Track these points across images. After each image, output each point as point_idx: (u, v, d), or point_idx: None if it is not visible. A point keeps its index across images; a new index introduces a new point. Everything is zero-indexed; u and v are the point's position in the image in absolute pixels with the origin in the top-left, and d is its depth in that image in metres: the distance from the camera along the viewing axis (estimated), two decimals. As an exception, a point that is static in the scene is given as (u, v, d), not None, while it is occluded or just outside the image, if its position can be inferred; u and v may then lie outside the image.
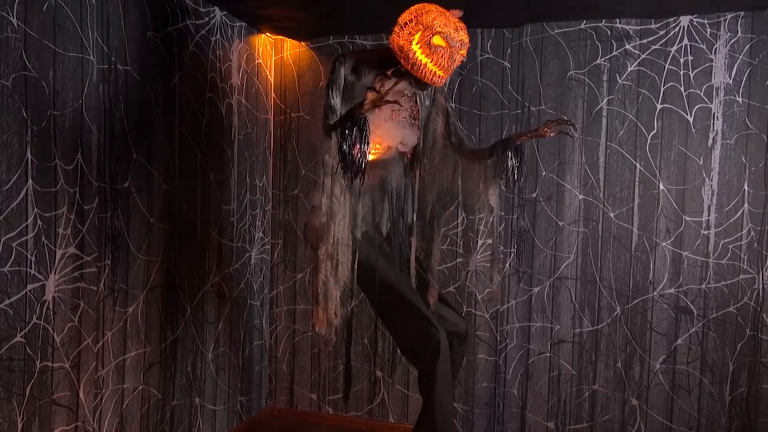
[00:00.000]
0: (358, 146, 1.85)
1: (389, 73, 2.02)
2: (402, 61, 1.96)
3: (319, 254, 2.04)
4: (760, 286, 2.75)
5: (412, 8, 1.96)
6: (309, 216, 2.23)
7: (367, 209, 2.16)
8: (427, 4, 1.97)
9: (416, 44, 1.91)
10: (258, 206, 3.25)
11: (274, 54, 3.36)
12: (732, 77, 2.74)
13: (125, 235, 2.28)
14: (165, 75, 2.46)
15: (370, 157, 2.05)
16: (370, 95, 1.82)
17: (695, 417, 2.84)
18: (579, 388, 2.97)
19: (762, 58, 2.71)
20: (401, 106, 2.03)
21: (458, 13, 1.97)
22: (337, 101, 2.01)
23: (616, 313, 2.91)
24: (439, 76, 1.96)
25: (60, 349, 2.01)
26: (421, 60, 1.93)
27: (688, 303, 2.83)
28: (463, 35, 1.95)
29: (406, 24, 1.93)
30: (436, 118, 2.24)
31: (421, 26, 1.91)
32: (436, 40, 1.91)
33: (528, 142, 2.93)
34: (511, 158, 2.20)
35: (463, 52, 1.98)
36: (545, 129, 2.16)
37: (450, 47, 1.92)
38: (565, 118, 2.43)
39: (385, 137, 2.15)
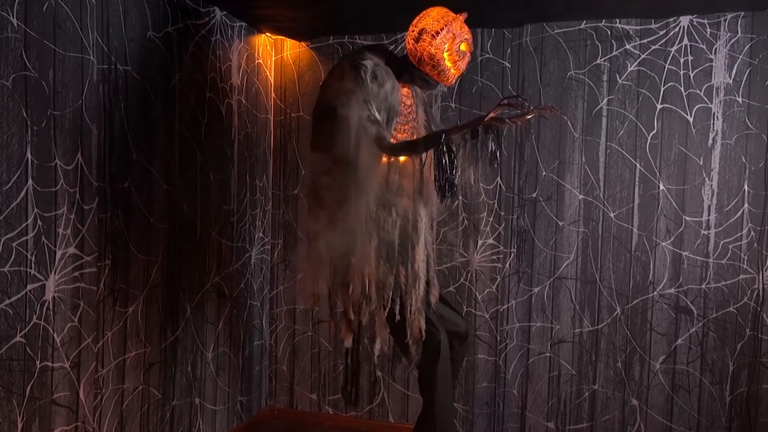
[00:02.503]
0: (452, 168, 1.86)
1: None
2: (428, 67, 2.03)
3: (394, 274, 2.03)
4: (760, 286, 2.75)
5: (436, 15, 2.02)
6: (353, 235, 2.13)
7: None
8: (446, 10, 2.05)
9: (447, 52, 2.00)
10: (258, 206, 3.25)
11: (274, 54, 3.36)
12: (732, 77, 2.74)
13: (125, 235, 2.28)
14: (165, 75, 2.46)
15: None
16: (491, 124, 1.84)
17: (695, 417, 2.84)
18: (579, 388, 2.97)
19: (762, 58, 2.71)
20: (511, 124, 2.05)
21: (465, 15, 2.05)
22: (376, 114, 2.00)
23: (616, 313, 2.91)
24: (456, 78, 2.09)
25: (60, 349, 2.01)
26: (448, 66, 2.02)
27: (688, 303, 2.83)
28: (471, 37, 2.06)
29: (437, 33, 1.98)
30: (417, 110, 2.28)
31: (452, 35, 2.00)
32: (464, 47, 2.02)
33: (528, 142, 2.94)
34: (492, 141, 2.23)
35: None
36: (526, 116, 2.20)
37: (469, 51, 2.05)
38: (548, 105, 2.47)
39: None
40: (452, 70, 2.03)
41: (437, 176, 1.86)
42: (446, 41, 1.98)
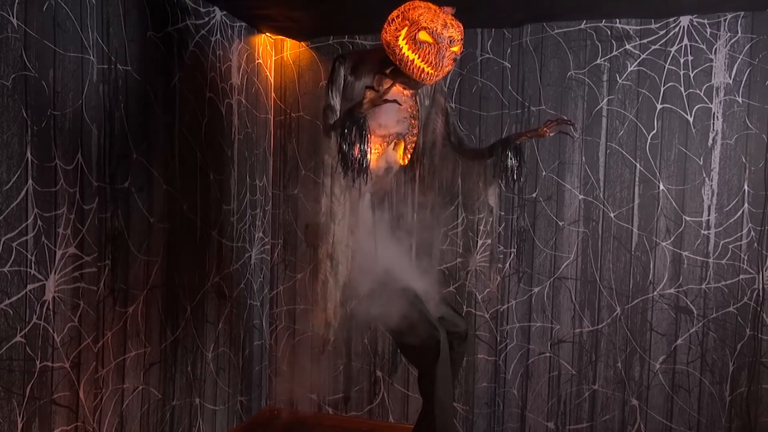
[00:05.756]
0: (358, 146, 1.84)
1: (387, 71, 2.02)
2: (391, 56, 1.96)
3: (319, 254, 2.04)
4: (760, 286, 2.75)
5: (403, 5, 1.96)
6: (310, 216, 2.22)
7: (367, 209, 2.16)
8: (417, 0, 1.96)
9: (402, 40, 1.90)
10: (258, 206, 3.25)
11: (274, 54, 3.36)
12: (732, 77, 2.74)
13: (125, 235, 2.28)
14: (165, 75, 2.46)
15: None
16: (369, 94, 1.81)
17: (695, 417, 2.84)
18: (579, 388, 2.97)
19: (762, 58, 2.71)
20: (400, 104, 2.01)
21: (450, 10, 1.95)
22: (336, 101, 2.00)
23: (616, 313, 2.91)
24: (428, 73, 1.94)
25: (60, 349, 2.01)
26: (407, 56, 1.91)
27: (688, 303, 2.83)
28: (453, 32, 1.92)
29: (393, 20, 1.92)
30: (435, 117, 2.24)
31: (407, 22, 1.89)
32: (422, 36, 1.88)
33: (528, 142, 2.93)
34: (511, 158, 2.20)
35: (455, 49, 1.94)
36: (545, 129, 2.16)
37: (437, 43, 1.89)
38: (565, 117, 2.44)
39: (384, 137, 2.15)
40: (416, 62, 1.91)
41: (340, 152, 1.83)
42: (401, 28, 1.89)
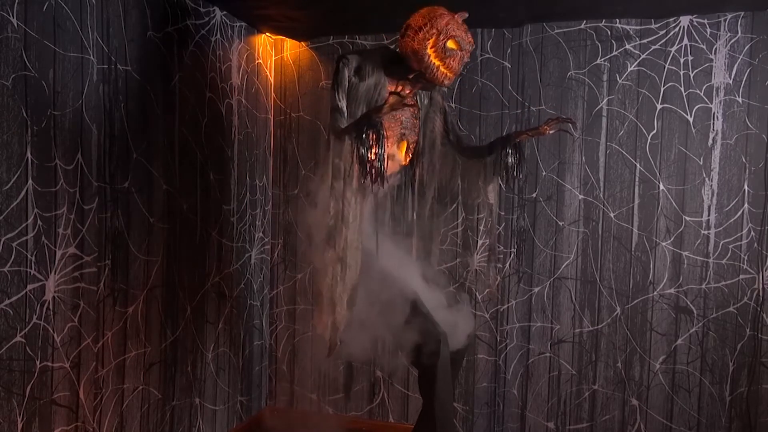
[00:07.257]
0: (376, 150, 1.85)
1: (410, 77, 2.05)
2: (415, 64, 2.00)
3: (327, 257, 2.03)
4: (760, 286, 2.75)
5: (424, 12, 2.00)
6: (313, 217, 2.20)
7: (370, 211, 2.16)
8: (437, 7, 2.01)
9: (431, 48, 1.96)
10: (258, 206, 3.25)
11: (274, 54, 3.36)
12: (732, 77, 2.74)
13: (125, 235, 2.28)
14: (165, 75, 2.46)
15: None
16: (392, 99, 1.83)
17: (695, 417, 2.84)
18: (579, 388, 2.97)
19: (762, 58, 2.71)
20: (420, 108, 2.04)
21: (464, 15, 2.01)
22: (343, 103, 2.01)
23: (616, 313, 2.91)
24: (449, 78, 2.02)
25: (60, 349, 2.01)
26: (434, 63, 1.98)
27: (688, 303, 2.83)
28: (470, 37, 2.01)
29: (420, 28, 1.96)
30: (434, 116, 2.25)
31: (435, 30, 1.95)
32: (451, 44, 1.96)
33: (528, 142, 2.93)
34: (511, 156, 2.21)
35: (469, 52, 2.02)
36: (545, 127, 2.18)
37: (461, 50, 1.98)
38: (564, 117, 2.44)
39: (389, 137, 2.15)
40: (441, 69, 1.98)
41: (358, 157, 1.85)
42: (429, 37, 1.94)
